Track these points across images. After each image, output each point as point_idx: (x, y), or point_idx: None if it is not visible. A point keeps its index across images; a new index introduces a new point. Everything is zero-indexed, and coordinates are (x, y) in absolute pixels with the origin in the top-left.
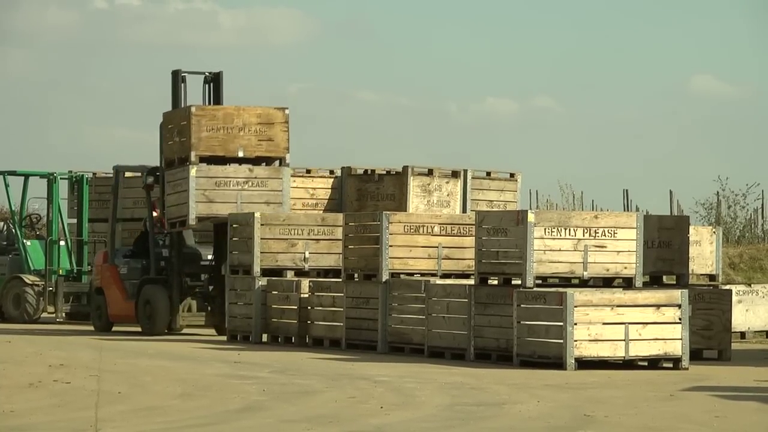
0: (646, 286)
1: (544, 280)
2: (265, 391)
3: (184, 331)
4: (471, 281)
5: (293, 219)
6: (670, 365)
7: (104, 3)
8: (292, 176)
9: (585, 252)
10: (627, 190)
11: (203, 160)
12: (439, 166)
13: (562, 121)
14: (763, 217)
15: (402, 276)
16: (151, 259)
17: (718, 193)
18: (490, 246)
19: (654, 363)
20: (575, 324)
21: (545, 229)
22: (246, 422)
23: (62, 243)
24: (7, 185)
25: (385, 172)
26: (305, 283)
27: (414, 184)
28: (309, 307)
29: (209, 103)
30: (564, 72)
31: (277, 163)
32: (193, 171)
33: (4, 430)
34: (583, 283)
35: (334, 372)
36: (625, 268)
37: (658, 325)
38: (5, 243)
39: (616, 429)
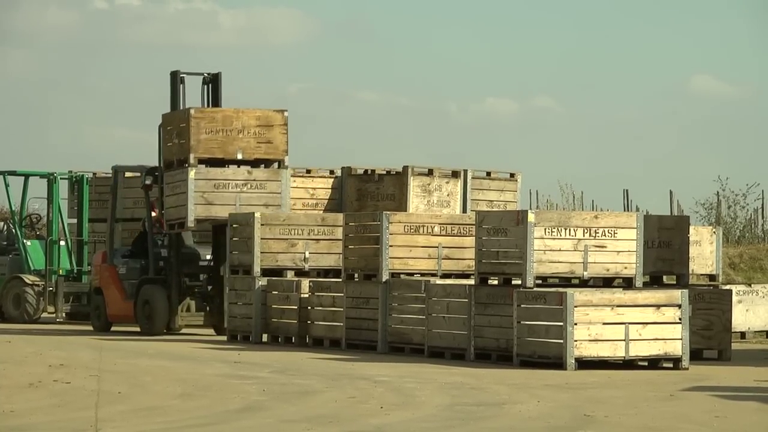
0: (646, 286)
1: (544, 280)
2: (265, 391)
3: (184, 331)
4: (471, 281)
5: (293, 219)
6: (670, 365)
7: (104, 3)
8: (292, 176)
9: (585, 252)
10: (627, 190)
11: (202, 162)
12: (439, 166)
13: (562, 121)
14: (763, 217)
15: (402, 276)
16: (150, 259)
17: (718, 193)
18: (490, 246)
19: (654, 363)
20: (575, 324)
21: (545, 229)
22: (246, 422)
23: (62, 243)
24: (7, 185)
25: (385, 172)
26: (305, 283)
27: (414, 184)
28: (309, 307)
29: (208, 104)
30: (564, 72)
31: (276, 165)
32: (192, 173)
33: (4, 430)
34: (583, 283)
35: (334, 372)
36: (625, 268)
37: (658, 325)
38: (5, 243)
39: (616, 429)
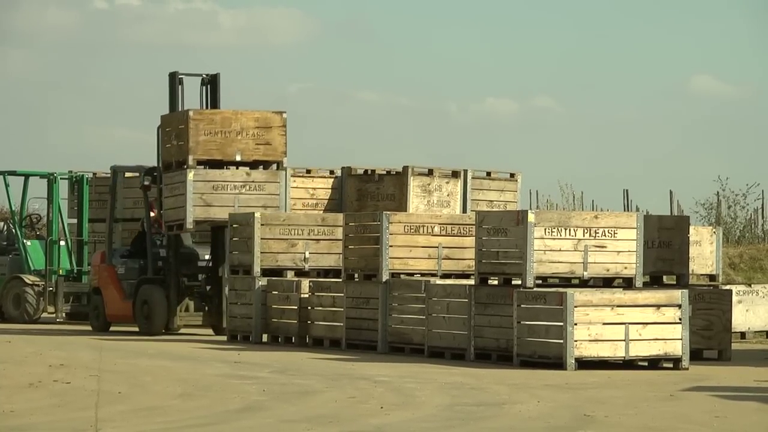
0: (646, 286)
1: (544, 280)
2: (265, 391)
3: (183, 331)
4: (471, 281)
5: (293, 219)
6: (670, 365)
7: (104, 3)
8: (292, 176)
9: (585, 252)
10: (627, 190)
11: (201, 163)
12: (439, 166)
13: (562, 121)
14: (763, 217)
15: (402, 276)
16: (149, 259)
17: (718, 193)
18: (490, 246)
19: (654, 363)
20: (575, 324)
21: (545, 229)
22: (246, 422)
23: (62, 243)
24: (7, 185)
25: (385, 172)
26: (305, 283)
27: (414, 184)
28: (309, 307)
29: (207, 105)
30: (564, 72)
31: (274, 166)
32: (190, 175)
33: (4, 430)
34: (583, 283)
35: (334, 372)
36: (625, 268)
37: (658, 325)
38: (5, 243)
39: (616, 429)
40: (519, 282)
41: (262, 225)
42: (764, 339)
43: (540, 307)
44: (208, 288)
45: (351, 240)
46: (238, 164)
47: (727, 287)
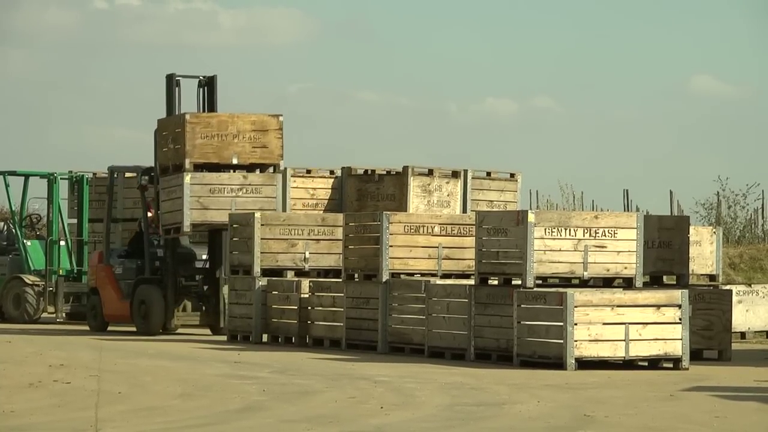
0: (646, 286)
1: (544, 280)
2: (265, 391)
3: (183, 331)
4: (471, 281)
5: (293, 219)
6: (671, 365)
7: (104, 3)
8: (292, 176)
9: (585, 252)
10: (627, 190)
11: (197, 167)
12: (439, 166)
13: (562, 121)
14: (763, 217)
15: (402, 276)
16: (146, 259)
17: (718, 193)
18: (491, 246)
19: (654, 363)
20: (575, 324)
21: (545, 229)
22: (246, 422)
23: (62, 243)
24: (7, 185)
25: (385, 172)
26: (305, 283)
27: (414, 185)
28: (309, 308)
29: (204, 107)
30: (564, 72)
31: (271, 169)
32: (187, 178)
33: (4, 430)
34: (583, 283)
35: (334, 372)
36: (626, 268)
37: (659, 326)
38: (5, 243)
39: (616, 429)
40: (519, 282)
41: (262, 225)
42: (764, 339)
43: (540, 307)
44: (205, 288)
45: (351, 240)
46: (234, 167)
47: (727, 287)
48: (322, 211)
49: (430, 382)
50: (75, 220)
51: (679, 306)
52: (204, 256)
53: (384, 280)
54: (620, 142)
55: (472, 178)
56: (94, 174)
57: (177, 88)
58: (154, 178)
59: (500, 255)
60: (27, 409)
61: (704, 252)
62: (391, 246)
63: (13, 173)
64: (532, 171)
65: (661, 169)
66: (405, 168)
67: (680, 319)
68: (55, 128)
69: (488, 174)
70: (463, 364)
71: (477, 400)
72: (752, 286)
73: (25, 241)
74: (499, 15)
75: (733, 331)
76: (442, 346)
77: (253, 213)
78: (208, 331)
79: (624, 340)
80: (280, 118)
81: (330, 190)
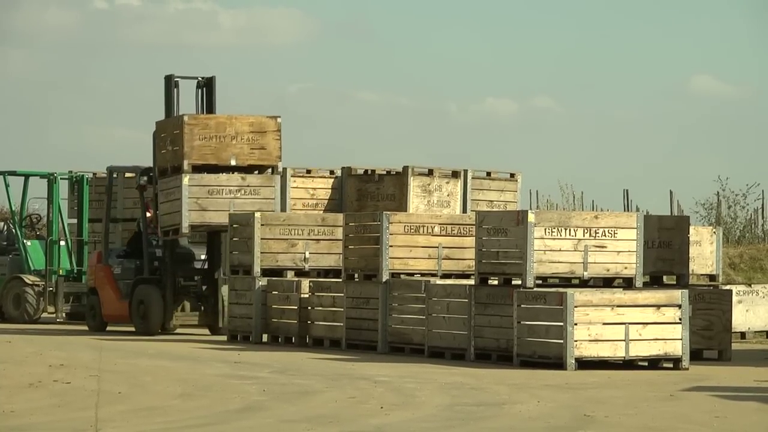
0: (646, 286)
1: (544, 280)
2: (265, 391)
3: (183, 331)
4: (471, 281)
5: (293, 219)
6: (671, 365)
7: (104, 3)
8: (292, 176)
9: (585, 252)
10: (627, 190)
11: (196, 168)
12: (439, 166)
13: (562, 121)
14: (763, 217)
15: (402, 276)
16: (145, 259)
17: (718, 193)
18: (491, 246)
19: (654, 363)
20: (575, 324)
21: (545, 229)
22: (246, 422)
23: (62, 243)
24: (7, 185)
25: (385, 172)
26: (305, 283)
27: (414, 185)
28: (309, 308)
29: (202, 108)
30: (564, 72)
31: (269, 171)
32: (185, 180)
33: (4, 430)
34: (583, 283)
35: (334, 372)
36: (626, 268)
37: (659, 326)
38: (5, 243)
39: (616, 429)
40: (519, 282)
41: (262, 225)
42: (764, 339)
43: (540, 307)
44: (204, 288)
45: (351, 240)
46: (233, 169)
47: (727, 287)
48: (322, 211)
49: (430, 382)
50: (75, 220)
51: (679, 306)
52: (203, 256)
53: (384, 280)
54: (620, 142)
55: (472, 178)
56: (94, 174)
57: (175, 89)
58: (153, 180)
59: (500, 255)
60: (27, 409)
61: (704, 252)
62: (391, 246)
63: (13, 173)
64: (532, 171)
65: (661, 169)
66: (405, 168)
67: (680, 319)
68: (55, 128)
69: (488, 174)
70: (463, 364)
71: (477, 400)
72: (752, 286)
73: (25, 241)
74: (499, 15)
75: (733, 331)
76: (442, 346)
77: (253, 213)
78: (206, 331)
79: (624, 340)
80: (278, 120)
81: (330, 190)
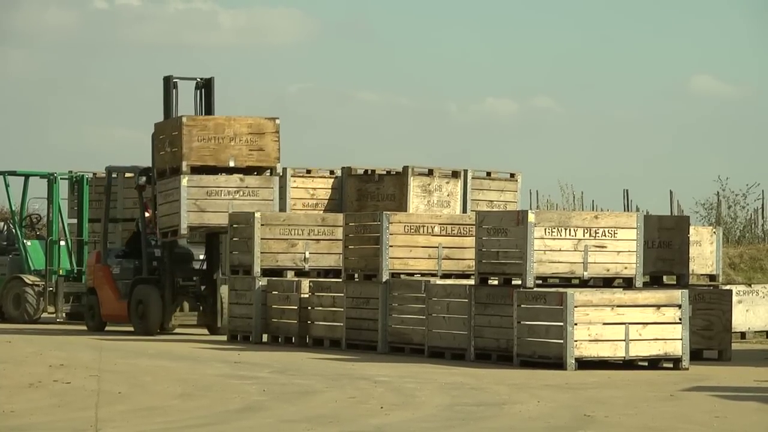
0: (646, 286)
1: (544, 280)
2: (265, 391)
3: (182, 331)
4: (471, 281)
5: (293, 219)
6: (671, 365)
7: (104, 3)
8: (292, 176)
9: (585, 252)
10: (627, 190)
11: (194, 170)
12: (439, 166)
13: (562, 121)
14: (763, 217)
15: (402, 276)
16: (144, 259)
17: (718, 193)
18: (491, 246)
19: (654, 363)
20: (575, 324)
21: (545, 229)
22: (246, 422)
23: (62, 243)
24: (7, 185)
25: (385, 172)
26: (305, 283)
27: (414, 185)
28: (309, 308)
29: (201, 109)
30: (564, 72)
31: (268, 172)
32: (184, 181)
33: (4, 430)
34: (583, 283)
35: (334, 372)
36: (626, 268)
37: (659, 326)
38: (5, 243)
39: (616, 429)
40: (519, 282)
41: (262, 225)
42: (764, 339)
43: (540, 307)
44: (203, 288)
45: (351, 240)
46: (231, 170)
47: (727, 287)
48: (322, 211)
49: (430, 382)
50: (75, 220)
51: (679, 306)
52: (201, 256)
53: (384, 280)
54: (620, 142)
55: (472, 178)
56: (94, 174)
57: (174, 90)
58: (152, 180)
59: (500, 255)
60: (27, 409)
61: (704, 252)
62: (391, 246)
63: (13, 173)
64: (532, 171)
65: (661, 169)
66: (405, 168)
67: (680, 319)
68: (55, 128)
69: (488, 174)
70: (463, 364)
71: (477, 400)
72: (752, 286)
73: (25, 241)
74: (499, 15)
75: (733, 331)
76: (442, 346)
77: (253, 213)
78: (206, 330)
79: (624, 340)
80: (277, 121)
81: (330, 190)
